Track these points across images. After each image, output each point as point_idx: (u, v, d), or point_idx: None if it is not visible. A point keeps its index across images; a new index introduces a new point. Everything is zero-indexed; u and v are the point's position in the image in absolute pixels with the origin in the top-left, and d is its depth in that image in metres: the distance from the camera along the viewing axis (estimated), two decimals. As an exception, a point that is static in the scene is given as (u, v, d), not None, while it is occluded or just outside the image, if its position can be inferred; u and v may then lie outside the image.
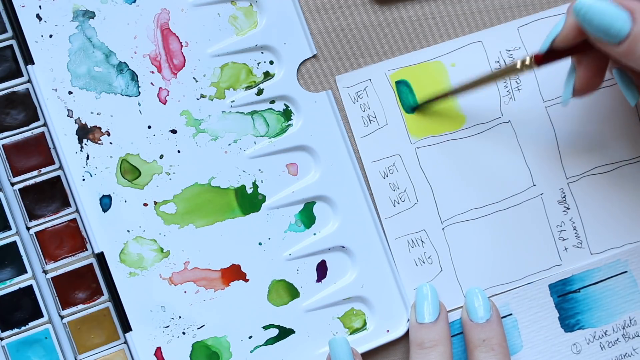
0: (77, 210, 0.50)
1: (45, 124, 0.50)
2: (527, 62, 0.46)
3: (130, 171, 0.50)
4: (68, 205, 0.50)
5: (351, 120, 0.52)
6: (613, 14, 0.42)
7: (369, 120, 0.52)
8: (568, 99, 0.47)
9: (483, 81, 0.49)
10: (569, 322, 0.53)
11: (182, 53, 0.51)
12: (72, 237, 0.50)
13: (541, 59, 0.46)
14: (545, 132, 0.53)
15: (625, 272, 0.53)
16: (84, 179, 0.50)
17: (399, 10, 0.53)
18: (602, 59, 0.46)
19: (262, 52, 0.52)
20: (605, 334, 0.53)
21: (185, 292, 0.50)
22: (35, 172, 0.50)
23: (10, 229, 0.49)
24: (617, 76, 0.46)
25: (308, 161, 0.52)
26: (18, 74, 0.50)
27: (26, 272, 0.49)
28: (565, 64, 0.47)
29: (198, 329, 0.50)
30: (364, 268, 0.52)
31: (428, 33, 0.53)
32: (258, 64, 0.52)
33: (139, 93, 0.50)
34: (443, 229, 0.52)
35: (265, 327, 0.51)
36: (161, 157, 0.50)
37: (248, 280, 0.51)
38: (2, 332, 0.49)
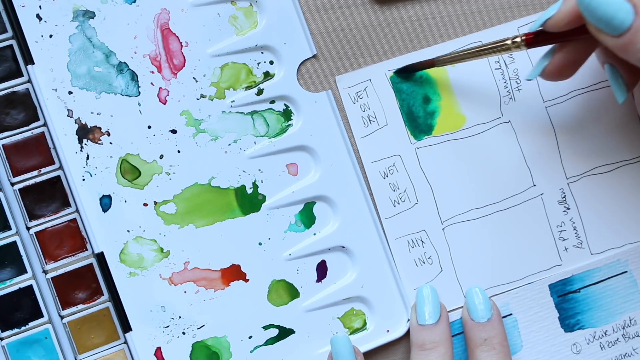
0: (77, 210, 0.50)
1: (45, 124, 0.50)
2: (518, 40, 0.46)
3: (130, 171, 0.50)
4: (68, 205, 0.50)
5: (351, 121, 0.52)
6: (617, 5, 0.42)
7: (369, 120, 0.52)
8: (534, 77, 0.47)
9: (472, 54, 0.49)
10: (569, 322, 0.53)
11: (182, 53, 0.51)
12: (72, 237, 0.50)
13: (531, 40, 0.46)
14: (545, 132, 0.53)
15: (625, 272, 0.53)
16: (84, 179, 0.50)
17: (399, 10, 0.53)
18: (582, 54, 0.46)
19: (262, 52, 0.52)
20: (605, 334, 0.53)
21: (185, 292, 0.50)
22: (35, 172, 0.50)
23: (10, 229, 0.49)
24: (609, 72, 0.47)
25: (308, 161, 0.52)
26: (18, 74, 0.50)
27: (26, 272, 0.49)
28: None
29: (198, 329, 0.50)
30: (364, 268, 0.52)
31: (428, 33, 0.53)
32: (258, 64, 0.52)
33: (139, 93, 0.50)
34: (443, 229, 0.52)
35: (265, 327, 0.51)
36: (161, 157, 0.50)
37: (248, 280, 0.51)
38: (2, 332, 0.49)
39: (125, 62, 0.50)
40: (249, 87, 0.52)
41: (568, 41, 0.46)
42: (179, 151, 0.51)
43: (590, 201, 0.53)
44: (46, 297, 0.50)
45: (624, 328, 0.53)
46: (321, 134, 0.52)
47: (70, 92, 0.50)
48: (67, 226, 0.50)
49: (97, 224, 0.50)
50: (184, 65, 0.51)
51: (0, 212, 0.49)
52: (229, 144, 0.51)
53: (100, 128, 0.50)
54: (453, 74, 0.53)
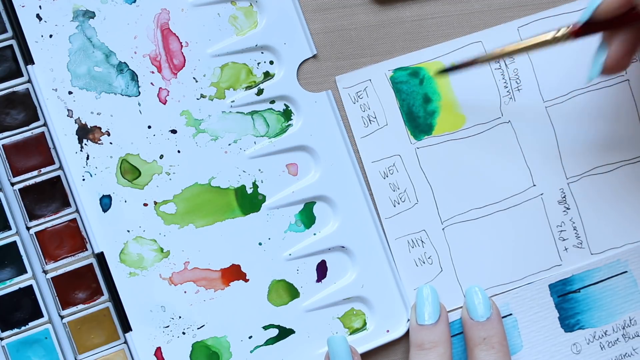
0: (77, 210, 0.50)
1: (45, 124, 0.50)
2: (562, 34, 0.46)
3: (130, 171, 0.50)
4: (68, 205, 0.50)
5: (351, 121, 0.52)
6: None
7: (369, 120, 0.52)
8: (595, 77, 0.46)
9: (515, 52, 0.48)
10: (569, 322, 0.53)
11: (182, 53, 0.51)
12: (72, 237, 0.50)
13: (579, 31, 0.45)
14: (545, 132, 0.53)
15: (625, 272, 0.53)
16: (84, 179, 0.50)
17: (399, 10, 0.53)
18: (636, 38, 0.46)
19: (262, 52, 0.52)
20: (605, 334, 0.53)
21: (185, 292, 0.50)
22: (35, 172, 0.50)
23: (10, 229, 0.49)
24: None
25: (308, 161, 0.52)
26: (18, 74, 0.50)
27: (26, 272, 0.49)
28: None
29: (198, 329, 0.50)
30: (364, 268, 0.52)
31: (428, 33, 0.53)
32: (258, 64, 0.52)
33: (139, 93, 0.50)
34: (443, 229, 0.52)
35: (265, 327, 0.51)
36: (161, 157, 0.50)
37: (248, 280, 0.51)
38: (2, 332, 0.49)
39: (125, 62, 0.50)
40: (249, 87, 0.52)
41: (615, 29, 0.45)
42: (179, 151, 0.51)
43: (590, 201, 0.53)
44: (46, 297, 0.50)
45: (624, 328, 0.53)
46: (321, 134, 0.52)
47: (70, 92, 0.50)
48: (67, 226, 0.50)
49: (97, 224, 0.50)
50: (184, 65, 0.51)
51: (0, 212, 0.49)
52: (229, 144, 0.51)
53: (100, 128, 0.50)
54: (453, 74, 0.53)
